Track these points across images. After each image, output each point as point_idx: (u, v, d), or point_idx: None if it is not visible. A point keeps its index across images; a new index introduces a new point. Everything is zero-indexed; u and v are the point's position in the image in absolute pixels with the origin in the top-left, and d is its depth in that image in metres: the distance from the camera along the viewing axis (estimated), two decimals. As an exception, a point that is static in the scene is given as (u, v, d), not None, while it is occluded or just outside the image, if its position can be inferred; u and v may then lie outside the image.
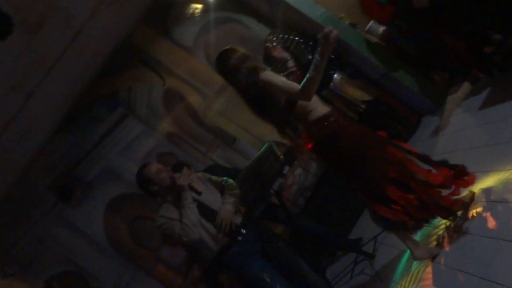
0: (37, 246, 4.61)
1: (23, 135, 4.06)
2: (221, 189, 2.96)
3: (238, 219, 2.83)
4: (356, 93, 4.41)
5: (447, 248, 2.42)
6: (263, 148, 3.69)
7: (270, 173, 3.58)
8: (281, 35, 4.42)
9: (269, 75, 2.38)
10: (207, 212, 2.79)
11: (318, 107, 2.54)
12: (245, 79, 2.40)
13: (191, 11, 5.14)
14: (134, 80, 5.06)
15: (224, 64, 2.48)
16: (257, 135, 4.98)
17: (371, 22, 4.40)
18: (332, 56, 4.25)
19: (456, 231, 2.41)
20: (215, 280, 4.38)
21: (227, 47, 2.54)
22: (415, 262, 2.62)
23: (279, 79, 2.37)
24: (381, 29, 4.43)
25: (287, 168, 3.65)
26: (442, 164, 2.51)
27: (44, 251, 4.62)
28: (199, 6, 5.13)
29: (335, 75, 4.35)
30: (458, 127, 3.55)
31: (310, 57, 4.17)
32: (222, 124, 5.07)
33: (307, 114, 2.53)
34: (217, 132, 5.06)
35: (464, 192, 2.51)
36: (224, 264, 2.84)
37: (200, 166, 4.71)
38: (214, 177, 3.03)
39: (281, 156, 3.47)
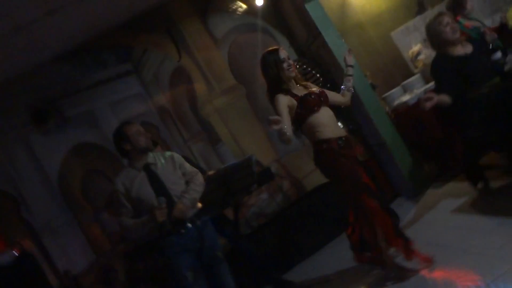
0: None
1: (29, 45, 4.02)
2: (188, 179, 2.88)
3: (189, 213, 2.77)
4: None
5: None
6: (245, 158, 3.70)
7: (239, 185, 3.58)
8: (304, 65, 4.47)
9: (278, 100, 2.77)
10: (161, 191, 2.73)
11: (325, 130, 2.74)
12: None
13: (234, 6, 5.19)
14: (153, 45, 5.04)
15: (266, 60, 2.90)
16: (242, 146, 4.98)
17: (392, 90, 4.48)
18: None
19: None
20: (132, 263, 4.35)
21: (276, 47, 2.94)
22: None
23: (279, 109, 2.74)
24: (396, 102, 4.51)
25: (255, 186, 3.66)
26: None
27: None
28: (244, 5, 5.18)
29: (339, 123, 4.40)
30: (425, 219, 3.60)
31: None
32: (215, 121, 5.05)
33: (313, 133, 2.77)
34: (207, 127, 5.04)
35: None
36: (156, 249, 2.78)
37: (176, 151, 4.71)
38: (188, 165, 2.97)
39: (255, 172, 3.47)
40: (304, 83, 2.94)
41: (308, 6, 4.39)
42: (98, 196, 4.68)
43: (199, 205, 2.85)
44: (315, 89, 2.86)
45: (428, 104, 2.71)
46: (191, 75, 5.07)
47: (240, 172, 3.55)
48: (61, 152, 4.71)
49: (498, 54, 2.58)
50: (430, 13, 5.11)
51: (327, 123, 2.74)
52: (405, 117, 4.36)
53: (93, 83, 4.89)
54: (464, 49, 3.11)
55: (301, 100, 2.75)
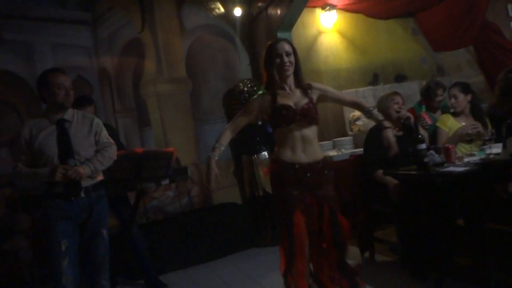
0: None
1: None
2: (100, 149, 2.75)
3: (86, 182, 2.65)
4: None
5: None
6: (167, 150, 3.65)
7: (151, 173, 3.52)
8: (255, 87, 4.56)
9: (251, 100, 2.53)
10: (66, 150, 2.60)
11: (284, 151, 2.37)
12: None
13: (213, 5, 5.20)
14: (121, 6, 4.89)
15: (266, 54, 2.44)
16: (168, 139, 4.92)
17: (323, 142, 4.68)
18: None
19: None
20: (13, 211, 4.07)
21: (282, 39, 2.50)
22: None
23: (239, 112, 2.49)
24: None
25: (167, 181, 3.62)
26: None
27: None
28: (222, 9, 5.21)
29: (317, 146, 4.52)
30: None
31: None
32: (151, 104, 4.96)
33: (278, 146, 2.41)
34: (141, 107, 4.93)
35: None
36: (40, 206, 2.63)
37: (101, 117, 4.54)
38: (105, 136, 2.82)
39: (172, 167, 3.43)
40: (308, 86, 2.46)
41: (280, 35, 4.52)
42: (3, 130, 4.36)
43: (99, 177, 2.75)
44: (305, 101, 2.38)
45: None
46: (146, 51, 4.96)
47: (158, 161, 3.49)
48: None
49: (423, 145, 2.82)
50: (380, 88, 5.50)
51: (292, 145, 2.35)
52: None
53: (43, 17, 4.61)
54: (397, 130, 3.39)
55: (274, 109, 2.36)
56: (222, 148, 2.41)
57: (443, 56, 6.23)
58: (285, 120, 2.33)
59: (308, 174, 2.34)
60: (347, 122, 5.24)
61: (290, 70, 2.37)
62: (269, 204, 4.54)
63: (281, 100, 2.37)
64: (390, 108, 3.40)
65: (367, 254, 3.70)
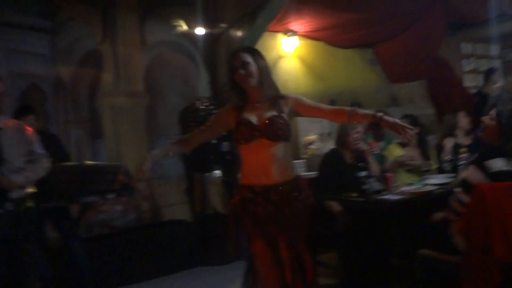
0: None
1: None
2: (33, 159, 2.68)
3: (15, 193, 2.55)
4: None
5: None
6: (115, 164, 3.61)
7: (96, 187, 3.46)
8: (211, 106, 4.61)
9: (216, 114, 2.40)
10: None
11: (249, 172, 2.14)
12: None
13: (176, 22, 5.22)
14: (82, 16, 4.85)
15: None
16: (120, 152, 4.85)
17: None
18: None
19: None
20: None
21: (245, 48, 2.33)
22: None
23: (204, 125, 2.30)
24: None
25: (112, 196, 3.57)
26: None
27: None
28: (185, 27, 5.25)
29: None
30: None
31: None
32: (105, 117, 4.88)
33: (241, 167, 2.18)
34: (95, 118, 4.85)
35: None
36: None
37: (52, 128, 4.47)
38: (38, 147, 2.73)
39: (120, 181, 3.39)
40: (278, 97, 2.18)
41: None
42: None
43: (30, 189, 2.67)
44: (271, 114, 2.10)
45: None
46: (104, 63, 4.91)
47: (104, 175, 3.45)
48: None
49: (363, 173, 2.94)
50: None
51: (253, 165, 2.11)
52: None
53: (1, 21, 4.52)
54: (349, 158, 3.48)
55: (236, 124, 2.12)
56: (169, 152, 2.21)
57: (398, 88, 6.49)
58: (243, 137, 2.06)
59: (271, 198, 2.06)
60: (301, 146, 5.34)
61: (252, 82, 2.09)
62: (218, 224, 4.54)
63: (245, 114, 2.11)
64: (349, 136, 3.44)
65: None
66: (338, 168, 3.38)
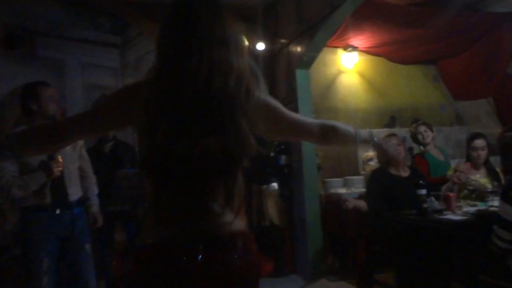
0: None
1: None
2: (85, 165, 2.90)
3: (71, 197, 2.67)
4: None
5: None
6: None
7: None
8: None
9: None
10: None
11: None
12: None
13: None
14: (149, 33, 5.11)
15: None
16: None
17: (334, 179, 4.72)
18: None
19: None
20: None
21: None
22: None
23: None
24: (332, 190, 4.77)
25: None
26: None
27: None
28: (245, 41, 5.37)
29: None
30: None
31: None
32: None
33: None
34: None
35: None
36: (21, 220, 2.58)
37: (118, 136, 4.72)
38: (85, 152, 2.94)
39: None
40: None
41: (299, 72, 4.67)
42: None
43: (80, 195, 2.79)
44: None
45: (346, 204, 2.89)
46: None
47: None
48: (14, 83, 4.60)
49: (423, 191, 2.86)
50: (397, 130, 5.52)
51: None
52: (333, 205, 4.60)
53: (77, 37, 4.90)
54: (401, 172, 3.41)
55: None
56: None
57: (462, 105, 6.24)
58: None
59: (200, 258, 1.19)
60: (360, 161, 5.27)
61: None
62: (274, 236, 4.58)
63: None
64: (387, 151, 3.39)
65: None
66: (385, 184, 3.33)
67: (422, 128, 4.24)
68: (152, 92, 1.19)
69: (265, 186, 4.69)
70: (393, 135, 3.58)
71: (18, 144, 1.36)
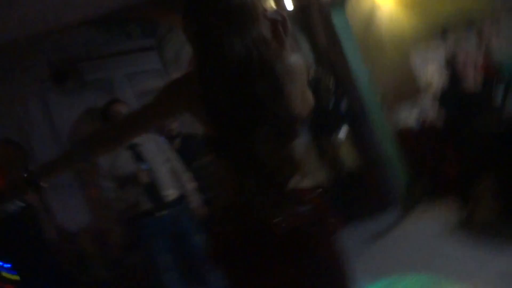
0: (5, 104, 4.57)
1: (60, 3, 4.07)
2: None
3: (167, 197, 2.86)
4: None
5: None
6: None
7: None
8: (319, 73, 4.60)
9: None
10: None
11: None
12: None
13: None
14: (179, 25, 5.15)
15: None
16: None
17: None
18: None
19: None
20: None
21: None
22: None
23: None
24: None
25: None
26: None
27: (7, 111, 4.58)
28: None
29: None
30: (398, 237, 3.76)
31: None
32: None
33: None
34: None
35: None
36: (131, 230, 2.83)
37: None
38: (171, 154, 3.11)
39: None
40: None
41: (334, 14, 4.51)
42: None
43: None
44: None
45: None
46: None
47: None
48: (74, 112, 4.81)
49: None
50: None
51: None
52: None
53: (115, 52, 5.02)
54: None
55: None
56: None
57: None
58: None
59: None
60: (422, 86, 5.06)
61: None
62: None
63: None
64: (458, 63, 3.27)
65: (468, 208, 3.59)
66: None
67: None
68: (201, 79, 1.27)
69: (333, 135, 4.64)
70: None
71: (86, 148, 1.47)
